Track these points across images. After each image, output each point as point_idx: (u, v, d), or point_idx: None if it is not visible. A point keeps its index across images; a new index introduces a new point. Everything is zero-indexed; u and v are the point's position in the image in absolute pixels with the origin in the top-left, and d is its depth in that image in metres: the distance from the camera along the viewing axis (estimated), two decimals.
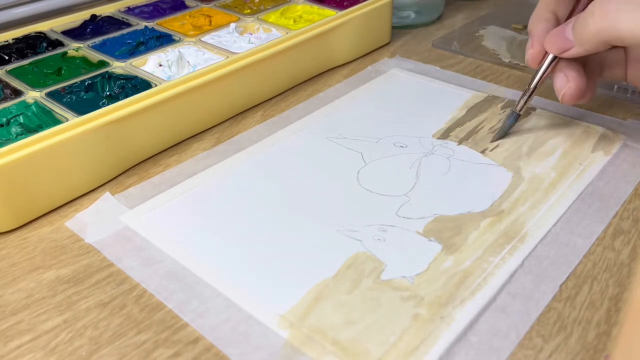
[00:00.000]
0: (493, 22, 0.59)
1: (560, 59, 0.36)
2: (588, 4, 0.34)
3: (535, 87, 0.38)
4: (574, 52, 0.35)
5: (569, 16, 0.37)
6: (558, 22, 0.37)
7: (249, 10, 0.53)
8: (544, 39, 0.36)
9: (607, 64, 0.38)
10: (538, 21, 0.38)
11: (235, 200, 0.35)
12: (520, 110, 0.39)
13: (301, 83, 0.49)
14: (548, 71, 0.37)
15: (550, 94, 0.46)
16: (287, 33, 0.47)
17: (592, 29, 0.32)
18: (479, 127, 0.41)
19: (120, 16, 0.51)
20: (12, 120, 0.37)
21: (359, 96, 0.46)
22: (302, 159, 0.39)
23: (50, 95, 0.39)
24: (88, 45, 0.46)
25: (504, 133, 0.40)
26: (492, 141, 0.40)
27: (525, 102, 0.39)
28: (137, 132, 0.38)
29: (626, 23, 0.31)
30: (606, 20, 0.32)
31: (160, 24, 0.49)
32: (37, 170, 0.33)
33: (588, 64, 0.37)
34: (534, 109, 0.43)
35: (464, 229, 0.32)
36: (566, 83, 0.36)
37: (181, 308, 0.28)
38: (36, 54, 0.45)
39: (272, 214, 0.34)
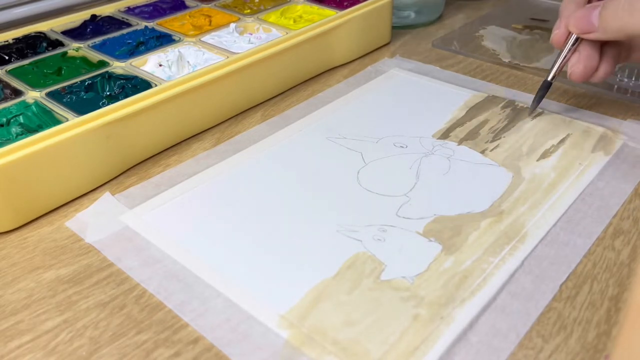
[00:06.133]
0: (493, 22, 0.59)
1: (582, 38, 0.38)
2: None
3: (564, 58, 0.40)
4: (594, 36, 0.36)
5: None
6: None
7: (249, 10, 0.53)
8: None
9: (636, 48, 0.39)
10: (569, 3, 0.39)
11: (235, 200, 0.35)
12: (551, 79, 0.41)
13: (301, 83, 0.49)
14: (573, 49, 0.39)
15: (550, 93, 0.46)
16: (287, 33, 0.47)
17: (618, 21, 0.34)
18: (479, 127, 0.41)
19: (120, 16, 0.51)
20: (12, 120, 0.37)
21: (359, 96, 0.46)
22: (302, 159, 0.39)
23: (51, 95, 0.39)
24: (88, 45, 0.46)
25: (537, 103, 0.42)
26: (529, 113, 0.42)
27: (556, 72, 0.41)
28: (137, 132, 0.38)
29: None
30: (633, 16, 0.33)
31: (160, 24, 0.49)
32: (37, 170, 0.33)
33: (616, 45, 0.38)
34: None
35: (464, 229, 0.32)
36: (576, 62, 0.38)
37: (181, 308, 0.28)
38: (36, 54, 0.45)
39: (272, 213, 0.34)
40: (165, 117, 0.39)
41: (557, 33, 0.40)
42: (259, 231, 0.33)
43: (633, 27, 0.34)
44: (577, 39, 0.39)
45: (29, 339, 0.27)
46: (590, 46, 0.38)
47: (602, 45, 0.38)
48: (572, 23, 0.38)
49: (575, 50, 0.39)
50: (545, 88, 0.42)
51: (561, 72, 0.40)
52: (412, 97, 0.46)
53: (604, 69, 0.38)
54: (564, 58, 0.40)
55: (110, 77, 0.41)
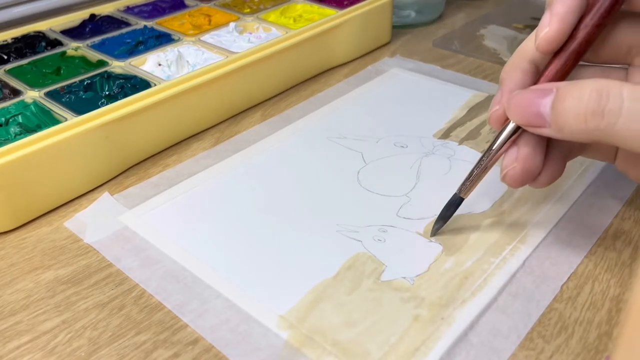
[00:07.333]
0: (494, 21, 0.59)
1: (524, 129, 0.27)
2: (579, 55, 0.26)
3: (497, 151, 0.28)
4: (547, 132, 0.25)
5: (547, 67, 0.27)
6: (537, 76, 0.28)
7: (248, 10, 0.52)
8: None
9: (593, 146, 0.30)
10: (512, 71, 0.28)
11: (235, 200, 0.35)
12: (465, 195, 0.30)
13: (301, 83, 0.48)
14: (507, 144, 0.28)
15: None
16: (286, 32, 0.46)
17: (582, 125, 0.24)
18: (480, 127, 0.41)
19: (119, 15, 0.51)
20: (10, 120, 0.37)
21: (359, 96, 0.46)
22: (302, 159, 0.39)
23: (49, 94, 0.38)
24: (87, 45, 0.45)
25: (442, 223, 0.31)
26: (431, 235, 0.31)
27: (472, 184, 0.30)
28: (136, 132, 0.38)
29: (633, 129, 0.23)
30: (603, 120, 0.23)
31: (160, 24, 0.49)
32: (36, 170, 0.33)
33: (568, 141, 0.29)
34: None
35: (465, 229, 0.32)
36: (513, 161, 0.28)
37: (180, 309, 0.28)
38: (35, 53, 0.45)
39: (272, 214, 0.34)
40: (164, 117, 0.39)
41: (497, 111, 0.28)
42: (259, 231, 0.32)
43: (606, 132, 0.23)
44: (517, 127, 0.27)
45: (28, 340, 0.27)
46: (534, 141, 0.27)
47: (549, 139, 0.28)
48: (513, 110, 0.26)
49: (513, 143, 0.28)
50: (456, 206, 0.30)
51: (487, 170, 0.29)
52: (413, 97, 0.45)
53: (549, 174, 0.28)
54: (497, 151, 0.28)
55: (109, 76, 0.41)
